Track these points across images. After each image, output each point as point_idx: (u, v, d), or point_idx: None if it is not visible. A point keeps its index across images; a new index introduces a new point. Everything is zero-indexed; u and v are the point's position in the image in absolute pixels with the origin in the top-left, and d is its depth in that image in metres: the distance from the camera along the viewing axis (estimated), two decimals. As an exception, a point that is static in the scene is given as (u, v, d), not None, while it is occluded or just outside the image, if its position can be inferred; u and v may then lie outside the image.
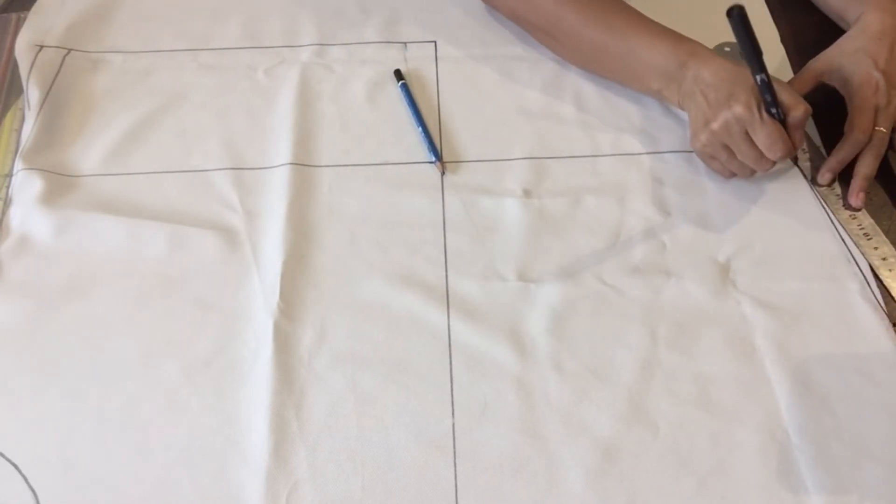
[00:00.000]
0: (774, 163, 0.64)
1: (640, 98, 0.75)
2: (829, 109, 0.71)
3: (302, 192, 0.68)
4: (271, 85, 0.76)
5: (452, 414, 0.57)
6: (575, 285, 0.63)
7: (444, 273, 0.63)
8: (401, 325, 0.61)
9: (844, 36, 0.72)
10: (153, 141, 0.72)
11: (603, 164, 0.70)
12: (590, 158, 0.71)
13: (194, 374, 0.58)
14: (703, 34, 0.69)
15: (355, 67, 0.78)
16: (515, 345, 0.59)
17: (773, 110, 0.61)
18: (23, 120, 0.73)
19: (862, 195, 0.67)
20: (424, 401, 0.57)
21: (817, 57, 0.72)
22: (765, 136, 0.61)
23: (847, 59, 0.70)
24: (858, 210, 0.67)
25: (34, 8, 0.82)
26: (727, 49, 0.80)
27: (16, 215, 0.66)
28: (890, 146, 0.69)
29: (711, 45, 0.77)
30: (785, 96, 0.62)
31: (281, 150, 0.71)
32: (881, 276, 0.63)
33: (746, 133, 0.62)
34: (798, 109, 0.62)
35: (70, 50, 0.78)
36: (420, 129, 0.71)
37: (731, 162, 0.66)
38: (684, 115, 0.73)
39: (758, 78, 0.59)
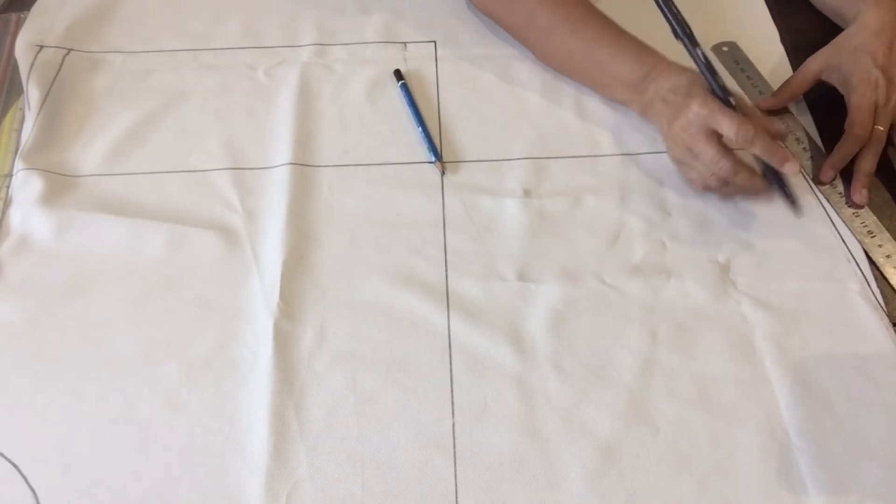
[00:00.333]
0: (735, 167, 0.63)
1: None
2: (829, 108, 0.71)
3: (302, 192, 0.68)
4: (271, 85, 0.76)
5: (452, 414, 0.57)
6: (575, 285, 0.63)
7: (444, 273, 0.64)
8: (401, 324, 0.61)
9: (843, 34, 0.72)
10: (153, 141, 0.72)
11: (603, 164, 0.70)
12: (590, 158, 0.71)
13: (194, 373, 0.58)
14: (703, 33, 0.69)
15: (355, 67, 0.78)
16: (515, 345, 0.59)
17: (723, 96, 0.62)
18: (23, 120, 0.73)
19: (864, 192, 0.67)
20: (424, 401, 0.57)
21: (815, 55, 0.73)
22: (728, 123, 0.61)
23: (845, 56, 0.70)
24: (861, 207, 0.67)
25: (34, 8, 0.82)
26: (725, 49, 0.80)
27: (16, 215, 0.67)
28: (889, 143, 0.69)
29: (710, 46, 0.77)
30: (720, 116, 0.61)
31: (281, 149, 0.71)
32: (885, 274, 0.63)
33: (706, 133, 0.62)
34: (732, 124, 0.61)
35: (70, 50, 0.78)
36: (420, 129, 0.71)
37: (698, 166, 0.64)
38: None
39: (698, 52, 0.62)
